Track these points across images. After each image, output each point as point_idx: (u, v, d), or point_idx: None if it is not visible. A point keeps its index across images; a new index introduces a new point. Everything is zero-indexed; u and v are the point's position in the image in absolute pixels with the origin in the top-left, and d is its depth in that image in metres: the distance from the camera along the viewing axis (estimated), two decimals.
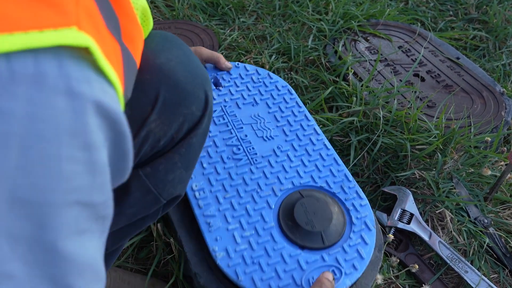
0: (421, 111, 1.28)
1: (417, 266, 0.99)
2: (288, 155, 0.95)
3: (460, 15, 1.86)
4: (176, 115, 0.62)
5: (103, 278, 0.46)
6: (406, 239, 1.10)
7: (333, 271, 0.79)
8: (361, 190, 0.92)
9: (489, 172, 1.08)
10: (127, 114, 0.51)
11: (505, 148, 1.19)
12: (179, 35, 1.62)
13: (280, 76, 1.45)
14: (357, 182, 1.21)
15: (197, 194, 0.86)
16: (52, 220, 0.36)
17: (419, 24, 1.70)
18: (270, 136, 0.99)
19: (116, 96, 0.40)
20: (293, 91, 1.11)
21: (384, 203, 1.15)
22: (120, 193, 0.61)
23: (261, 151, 0.96)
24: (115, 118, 0.39)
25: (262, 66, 1.47)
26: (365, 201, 0.90)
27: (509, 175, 1.12)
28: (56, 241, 0.37)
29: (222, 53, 1.55)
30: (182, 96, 0.62)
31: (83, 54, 0.36)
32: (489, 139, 1.14)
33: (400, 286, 1.03)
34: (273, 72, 1.47)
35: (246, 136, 0.98)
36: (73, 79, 0.34)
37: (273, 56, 1.51)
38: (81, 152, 0.36)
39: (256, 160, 0.94)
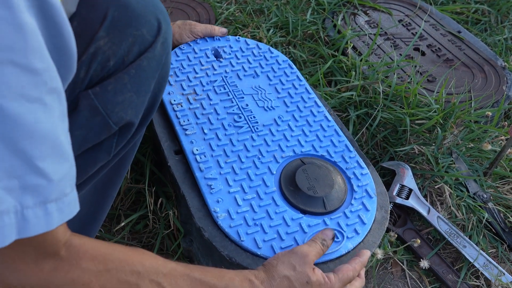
0: (421, 86, 1.26)
1: (418, 241, 0.98)
2: (289, 125, 0.95)
3: None
4: (125, 34, 0.63)
5: (70, 160, 0.47)
6: (404, 214, 1.09)
7: (335, 234, 0.79)
8: (361, 160, 0.91)
9: (489, 147, 1.07)
10: (75, 29, 0.52)
11: (506, 123, 1.17)
12: (175, 8, 1.58)
13: (278, 51, 1.42)
14: None
15: (198, 157, 0.86)
16: None
17: None
18: (271, 107, 0.98)
19: None
20: (293, 66, 1.09)
21: (382, 178, 1.14)
22: (69, 113, 0.60)
23: (262, 120, 0.95)
24: None
25: (260, 41, 1.44)
26: (366, 170, 0.90)
27: (509, 150, 1.11)
28: None
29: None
30: (132, 18, 0.64)
31: None
32: (490, 113, 1.12)
33: (398, 261, 1.02)
34: (271, 46, 1.44)
35: (247, 105, 0.97)
36: None
37: (271, 30, 1.48)
38: (3, 10, 0.38)
39: (257, 128, 0.93)
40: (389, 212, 0.86)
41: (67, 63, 0.49)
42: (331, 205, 0.82)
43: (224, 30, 1.12)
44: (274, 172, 0.86)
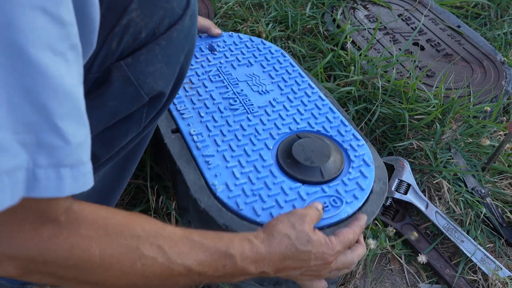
0: (420, 81, 1.26)
1: (415, 234, 0.99)
2: (284, 106, 0.96)
3: None
4: (157, 7, 0.63)
5: (86, 125, 0.45)
6: (403, 209, 1.09)
7: (334, 200, 0.80)
8: (357, 133, 0.92)
9: (488, 142, 1.07)
10: (108, 1, 0.52)
11: (505, 118, 1.18)
12: None
13: (277, 45, 1.42)
14: None
15: (195, 137, 0.87)
16: (18, 19, 0.36)
17: None
18: (266, 90, 0.99)
19: None
20: (286, 54, 1.10)
21: None
22: (101, 85, 0.61)
23: (258, 103, 0.96)
24: None
25: (259, 35, 1.44)
26: (362, 141, 0.91)
27: (508, 145, 1.11)
28: (27, 46, 0.37)
29: (217, 22, 1.51)
30: None
31: None
32: (489, 108, 1.13)
33: (396, 255, 1.03)
34: (270, 41, 1.44)
35: (242, 90, 0.99)
36: None
37: (270, 25, 1.47)
38: None
39: (252, 109, 0.94)
40: (387, 185, 0.86)
41: (87, 35, 0.48)
42: (328, 174, 0.83)
43: (220, 31, 1.13)
44: (271, 148, 0.87)
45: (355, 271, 1.00)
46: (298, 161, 0.83)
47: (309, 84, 1.01)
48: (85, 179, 0.45)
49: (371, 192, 0.83)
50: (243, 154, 0.85)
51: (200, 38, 1.11)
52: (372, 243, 0.93)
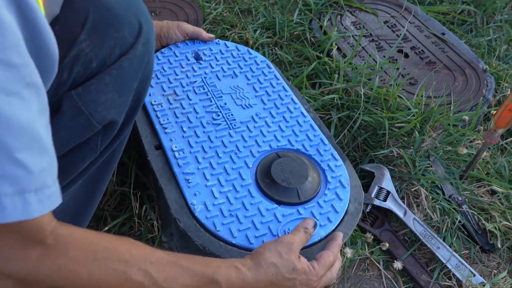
0: (403, 89, 1.28)
1: (387, 245, 1.01)
2: (266, 121, 0.98)
3: None
4: (107, 37, 0.65)
5: (50, 154, 0.49)
6: (382, 215, 1.12)
7: (316, 223, 0.82)
8: (336, 153, 0.94)
9: (465, 151, 1.10)
10: (57, 32, 0.54)
11: (482, 128, 1.20)
12: (163, 8, 1.60)
13: (264, 52, 1.45)
14: None
15: (176, 154, 0.88)
16: None
17: None
18: (249, 104, 1.01)
19: None
20: (271, 66, 1.12)
21: (362, 180, 1.17)
22: (53, 115, 0.63)
23: (240, 117, 0.98)
24: None
25: (246, 41, 1.46)
26: (340, 162, 0.93)
27: (485, 153, 1.14)
28: None
29: (206, 28, 1.53)
30: (113, 20, 0.65)
31: None
32: (467, 118, 1.15)
33: (375, 261, 1.06)
34: (257, 47, 1.46)
35: (225, 104, 1.00)
36: None
37: (258, 31, 1.50)
38: None
39: (235, 125, 0.96)
40: (362, 205, 0.89)
41: (47, 64, 0.51)
42: (305, 195, 0.85)
43: (212, 35, 1.14)
44: (251, 166, 0.89)
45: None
46: (276, 181, 0.85)
47: (292, 99, 1.03)
48: (52, 200, 0.48)
49: (346, 213, 0.85)
50: (223, 172, 0.87)
51: (186, 45, 1.13)
52: (349, 252, 0.96)
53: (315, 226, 0.78)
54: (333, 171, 0.91)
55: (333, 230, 0.83)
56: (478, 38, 1.60)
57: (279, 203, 0.84)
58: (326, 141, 0.96)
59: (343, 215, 0.85)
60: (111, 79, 0.66)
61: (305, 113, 1.01)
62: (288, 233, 0.79)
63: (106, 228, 1.01)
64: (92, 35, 0.63)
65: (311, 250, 0.79)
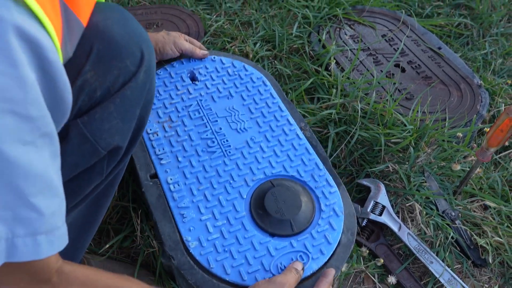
0: (399, 104, 1.31)
1: (382, 260, 1.04)
2: (261, 146, 0.99)
3: (448, 0, 1.86)
4: (110, 67, 0.69)
5: (60, 196, 0.54)
6: (378, 229, 1.15)
7: (300, 256, 0.84)
8: (331, 178, 0.96)
9: (458, 167, 1.13)
10: (64, 64, 0.58)
11: (475, 144, 1.23)
12: (165, 20, 1.62)
13: (264, 65, 1.47)
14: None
15: (171, 187, 0.90)
16: None
17: (403, 12, 1.71)
18: (244, 128, 1.02)
19: (38, 26, 0.48)
20: (267, 83, 1.13)
21: (358, 194, 1.20)
22: (60, 141, 0.67)
23: (235, 143, 0.99)
24: (37, 43, 0.47)
25: (246, 54, 1.49)
26: (335, 188, 0.94)
27: (478, 169, 1.17)
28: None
29: (207, 40, 1.56)
30: (116, 51, 0.69)
31: None
32: (461, 134, 1.18)
33: (370, 274, 1.09)
34: (257, 60, 1.49)
35: (220, 129, 1.02)
36: None
37: (258, 44, 1.52)
38: (8, 68, 0.45)
39: (229, 152, 0.97)
40: (355, 235, 0.91)
41: (61, 109, 0.56)
42: (298, 226, 0.87)
43: (206, 52, 1.16)
44: (245, 196, 0.91)
45: None
46: (269, 213, 0.87)
47: (288, 120, 1.05)
48: (60, 240, 0.53)
49: (339, 244, 0.87)
50: (217, 205, 0.89)
51: (182, 64, 1.14)
52: (343, 269, 0.99)
53: (303, 268, 0.81)
54: (327, 199, 0.92)
55: (326, 263, 0.85)
56: (474, 51, 1.63)
57: (272, 235, 0.86)
58: (321, 166, 0.98)
59: (335, 246, 0.87)
60: (114, 107, 0.70)
61: (301, 135, 1.02)
62: (280, 268, 0.82)
63: (108, 245, 1.04)
64: (97, 66, 0.67)
65: (303, 286, 0.82)
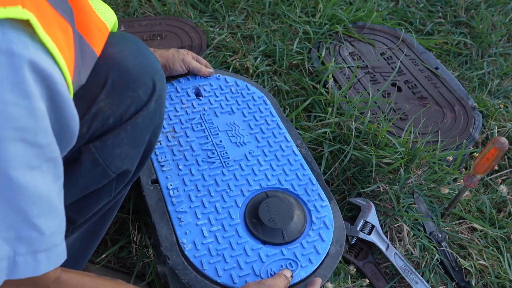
0: (393, 124, 1.34)
1: (367, 281, 1.08)
2: (258, 160, 1.04)
3: (449, 17, 1.89)
4: (124, 97, 0.73)
5: (61, 216, 0.58)
6: (366, 248, 1.19)
7: (290, 264, 0.89)
8: (323, 193, 1.00)
9: (447, 191, 1.16)
10: (80, 93, 0.65)
11: (463, 169, 1.26)
12: (169, 32, 1.66)
13: (264, 80, 1.51)
14: None
15: (171, 192, 0.95)
16: (1, 151, 0.48)
17: (402, 30, 1.73)
18: (243, 142, 1.07)
19: (51, 61, 0.52)
20: (268, 102, 1.18)
21: (349, 213, 1.24)
22: (73, 165, 0.72)
23: (234, 156, 1.04)
24: (48, 76, 0.51)
25: (247, 69, 1.53)
26: (326, 202, 0.99)
27: (466, 193, 1.20)
28: (7, 169, 0.49)
29: (210, 53, 1.60)
30: (130, 81, 0.73)
31: (25, 27, 0.49)
32: (451, 158, 1.21)
33: None
34: (257, 75, 1.53)
35: (221, 141, 1.06)
36: (13, 43, 0.47)
37: (259, 59, 1.56)
38: (22, 99, 0.49)
39: (228, 163, 1.02)
40: (343, 247, 0.95)
41: (67, 136, 0.60)
42: (289, 236, 0.91)
43: (211, 71, 1.21)
44: (240, 205, 0.96)
45: None
46: (262, 221, 0.91)
47: (285, 137, 1.09)
48: (59, 257, 0.57)
49: (327, 254, 0.91)
50: (214, 211, 0.93)
51: (188, 81, 1.19)
52: (330, 286, 1.03)
53: (292, 276, 0.85)
54: (319, 212, 0.97)
55: (314, 271, 0.89)
56: (472, 71, 1.65)
57: (264, 243, 0.91)
58: (315, 181, 1.02)
59: (324, 256, 0.91)
60: (126, 134, 0.74)
61: (297, 151, 1.07)
62: (270, 273, 0.86)
63: (105, 254, 1.09)
64: (111, 95, 0.71)
65: None
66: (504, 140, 0.98)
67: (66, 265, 0.63)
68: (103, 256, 1.08)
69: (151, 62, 0.77)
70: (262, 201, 0.95)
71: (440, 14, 1.91)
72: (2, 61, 0.47)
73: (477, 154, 1.09)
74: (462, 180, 1.23)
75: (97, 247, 1.14)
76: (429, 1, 1.95)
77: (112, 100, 0.71)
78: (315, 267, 0.89)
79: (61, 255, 0.57)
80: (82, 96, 0.68)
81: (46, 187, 0.54)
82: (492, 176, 1.36)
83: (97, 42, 0.68)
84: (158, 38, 1.65)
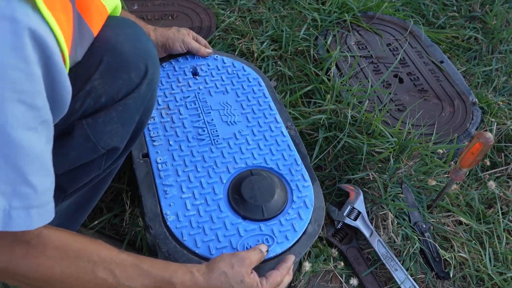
0: (390, 114, 1.35)
1: (342, 263, 1.11)
2: (246, 139, 1.07)
3: (463, 11, 1.87)
4: (116, 78, 0.78)
5: (51, 175, 0.63)
6: (352, 233, 1.22)
7: (266, 239, 0.92)
8: (307, 173, 1.03)
9: (434, 183, 1.18)
10: (76, 70, 0.70)
11: (452, 162, 1.27)
12: (180, 12, 1.70)
13: (268, 64, 1.54)
14: (318, 176, 1.32)
15: (160, 166, 1.00)
16: (1, 110, 0.53)
17: (411, 22, 1.73)
18: (234, 121, 1.11)
19: (49, 31, 0.57)
20: (262, 84, 1.20)
21: (338, 198, 1.27)
22: (66, 138, 0.77)
23: (223, 134, 1.08)
24: (45, 45, 0.56)
25: (252, 53, 1.56)
26: (308, 183, 1.01)
27: (454, 186, 1.21)
28: (6, 127, 0.54)
29: (219, 35, 1.63)
30: (123, 64, 0.78)
31: (28, 0, 0.54)
32: (441, 151, 1.22)
33: (338, 275, 1.16)
34: (262, 59, 1.55)
35: (212, 120, 1.10)
36: (16, 11, 0.52)
37: (265, 43, 1.58)
38: (21, 63, 0.54)
39: (217, 141, 1.06)
40: (321, 226, 0.98)
41: (59, 106, 0.65)
42: (269, 213, 0.95)
43: (210, 51, 1.24)
44: (225, 182, 0.99)
45: (296, 284, 1.13)
46: (244, 198, 0.95)
47: (275, 118, 1.12)
48: (49, 214, 0.62)
49: (304, 232, 0.94)
50: (198, 186, 0.97)
51: (187, 60, 1.23)
52: (307, 265, 1.06)
53: (267, 250, 0.89)
54: (300, 191, 1.00)
55: (289, 248, 0.93)
56: (479, 67, 1.64)
57: (244, 218, 0.94)
58: (300, 162, 1.05)
59: (301, 234, 0.95)
60: (117, 113, 0.79)
61: (285, 132, 1.10)
62: (246, 247, 0.90)
63: (101, 219, 1.15)
64: (104, 75, 0.76)
65: (264, 265, 0.89)
66: (489, 135, 0.99)
67: (60, 226, 0.69)
68: (96, 222, 1.14)
69: (146, 47, 0.82)
70: (246, 179, 0.98)
71: (455, 8, 1.89)
72: (5, 27, 0.52)
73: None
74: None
75: (93, 213, 1.20)
76: None
77: (105, 80, 0.76)
78: (291, 244, 0.92)
79: (51, 212, 0.62)
80: (78, 74, 0.73)
81: (41, 147, 0.59)
82: (486, 172, 1.36)
83: (95, 23, 0.73)
84: (170, 17, 1.68)
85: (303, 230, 0.95)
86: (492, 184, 1.22)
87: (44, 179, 0.60)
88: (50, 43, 0.57)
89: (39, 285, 0.66)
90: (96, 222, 1.14)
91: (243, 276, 0.79)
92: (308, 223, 0.96)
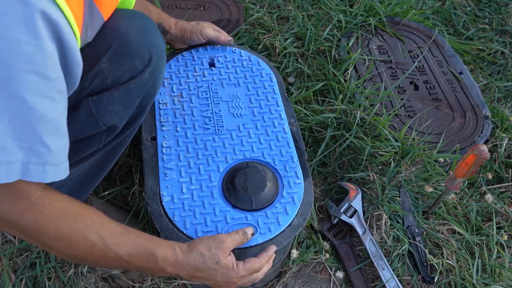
0: (399, 119, 1.38)
1: (327, 256, 1.16)
2: (249, 132, 1.13)
3: (494, 25, 1.86)
4: (122, 63, 0.87)
5: (66, 138, 0.72)
6: (346, 229, 1.26)
7: (254, 232, 0.97)
8: (300, 171, 1.08)
9: (430, 190, 1.20)
10: (87, 52, 0.80)
11: (450, 172, 1.29)
12: (212, 4, 1.78)
13: (289, 61, 1.59)
14: (322, 172, 1.37)
15: (164, 150, 1.07)
16: (16, 76, 0.61)
17: (436, 30, 1.73)
18: (240, 114, 1.17)
19: (60, 13, 0.65)
20: (274, 80, 1.25)
21: (338, 195, 1.32)
22: (72, 112, 0.85)
23: (228, 125, 1.14)
24: (57, 25, 0.64)
25: (275, 48, 1.61)
26: (300, 180, 1.06)
27: (452, 195, 1.23)
28: (21, 92, 0.62)
29: (245, 28, 1.70)
30: (129, 51, 0.87)
31: None
32: (442, 160, 1.25)
33: (328, 267, 1.21)
34: (284, 55, 1.61)
35: (220, 111, 1.16)
36: None
37: (289, 40, 1.64)
38: (34, 39, 0.61)
39: (221, 131, 1.12)
40: (306, 220, 1.02)
41: (71, 80, 0.73)
42: (257, 204, 1.00)
43: (230, 38, 1.30)
44: (221, 170, 1.05)
45: (287, 270, 1.19)
46: (236, 187, 1.01)
47: (280, 115, 1.17)
48: (63, 172, 0.71)
49: (289, 226, 0.99)
50: (196, 172, 1.04)
51: (206, 51, 1.29)
52: (295, 253, 1.12)
53: (253, 233, 0.94)
54: (291, 188, 1.04)
55: (271, 239, 0.98)
56: (502, 81, 1.64)
57: (233, 206, 1.00)
58: (296, 159, 1.09)
59: (284, 227, 0.99)
60: (119, 95, 0.88)
61: (287, 129, 1.14)
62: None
63: (112, 190, 1.25)
64: (112, 60, 0.86)
65: (245, 252, 0.95)
66: (483, 148, 1.01)
67: (68, 194, 0.77)
68: (107, 192, 1.23)
69: (153, 39, 0.91)
70: (241, 170, 1.04)
71: (487, 20, 1.88)
72: (18, 9, 0.60)
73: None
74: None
75: (107, 184, 1.30)
76: (478, 5, 1.92)
77: (112, 64, 0.85)
78: (273, 236, 0.97)
79: (65, 170, 0.71)
80: (88, 55, 0.82)
81: (56, 113, 0.67)
82: (491, 186, 1.37)
83: (106, 8, 0.82)
84: (201, 8, 1.76)
85: (288, 224, 1.00)
86: (489, 197, 1.23)
87: (58, 141, 0.68)
88: (61, 22, 0.64)
89: (32, 236, 0.73)
90: (107, 192, 1.23)
91: (218, 258, 0.85)
92: (294, 217, 1.01)
